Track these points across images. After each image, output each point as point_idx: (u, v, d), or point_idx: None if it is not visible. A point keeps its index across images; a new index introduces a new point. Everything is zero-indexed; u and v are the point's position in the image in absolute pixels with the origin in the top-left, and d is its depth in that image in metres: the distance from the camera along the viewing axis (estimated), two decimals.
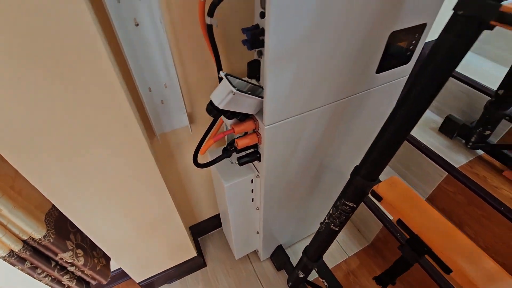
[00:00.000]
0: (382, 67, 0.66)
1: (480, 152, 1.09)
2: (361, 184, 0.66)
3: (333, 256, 1.19)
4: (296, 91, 0.57)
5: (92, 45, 0.44)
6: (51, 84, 0.45)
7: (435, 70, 0.47)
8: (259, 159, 0.71)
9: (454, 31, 0.44)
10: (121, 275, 1.12)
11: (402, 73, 0.73)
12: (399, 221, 0.63)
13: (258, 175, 0.77)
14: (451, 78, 1.16)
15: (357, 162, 0.64)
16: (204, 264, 1.17)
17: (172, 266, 1.06)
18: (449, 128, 1.14)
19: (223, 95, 0.49)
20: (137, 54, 0.59)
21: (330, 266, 1.15)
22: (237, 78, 0.54)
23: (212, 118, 0.68)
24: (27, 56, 0.41)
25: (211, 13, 0.52)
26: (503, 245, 0.94)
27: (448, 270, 0.54)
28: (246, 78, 0.62)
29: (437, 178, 1.08)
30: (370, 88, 0.70)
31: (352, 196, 0.69)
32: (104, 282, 0.86)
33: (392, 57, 0.65)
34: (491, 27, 0.41)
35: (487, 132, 1.00)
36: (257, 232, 1.02)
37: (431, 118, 1.24)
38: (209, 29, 0.55)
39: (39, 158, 0.52)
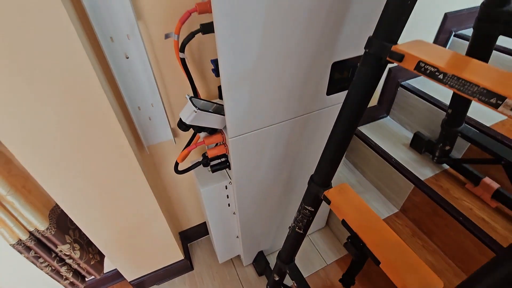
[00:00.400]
0: (331, 90, 0.79)
1: (446, 166, 1.17)
2: (315, 190, 0.77)
3: (312, 264, 1.26)
4: (252, 109, 0.70)
5: (86, 74, 0.59)
6: (57, 104, 0.60)
7: (356, 93, 0.59)
8: (229, 167, 0.83)
9: (366, 64, 0.57)
10: (116, 276, 1.23)
11: None
12: (343, 221, 0.72)
13: (230, 182, 0.89)
14: (417, 97, 1.27)
15: None
16: (191, 268, 1.26)
17: (160, 267, 1.16)
18: (417, 143, 1.23)
19: (188, 113, 0.62)
20: (127, 80, 0.74)
21: (309, 273, 1.23)
22: (203, 100, 0.68)
23: (191, 132, 0.82)
24: (41, 83, 0.56)
25: (182, 49, 0.67)
26: (464, 253, 1.00)
27: (377, 262, 0.63)
28: (216, 100, 0.76)
29: (407, 190, 1.16)
30: (323, 107, 0.82)
31: (309, 201, 0.80)
32: (98, 276, 0.97)
33: (337, 82, 0.78)
34: (386, 63, 0.54)
35: (447, 148, 1.09)
36: (237, 237, 1.12)
37: (404, 134, 1.34)
38: (182, 61, 0.69)
39: (45, 164, 0.66)
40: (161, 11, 0.67)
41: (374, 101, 1.36)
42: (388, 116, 1.44)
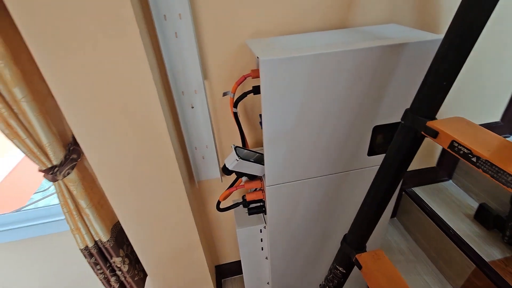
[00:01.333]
0: (373, 152, 0.80)
1: None
2: (347, 251, 0.75)
3: None
4: (289, 163, 0.75)
5: (157, 120, 0.74)
6: (135, 144, 0.75)
7: (391, 162, 0.60)
8: (265, 212, 0.88)
9: (401, 135, 0.58)
10: None
11: None
12: None
13: (265, 226, 0.93)
14: None
15: None
16: None
17: None
18: (483, 217, 1.08)
19: (231, 160, 0.71)
20: (190, 126, 0.89)
21: None
22: (247, 149, 0.76)
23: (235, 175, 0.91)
24: (126, 125, 0.72)
25: (235, 105, 0.78)
26: None
27: None
28: (261, 148, 0.83)
29: (467, 270, 1.01)
30: (364, 167, 0.83)
31: (340, 262, 0.78)
32: None
33: (379, 144, 0.78)
34: (422, 137, 0.54)
35: None
36: (268, 283, 1.11)
37: (468, 203, 1.19)
38: (235, 115, 0.81)
39: (117, 186, 0.82)
40: (223, 74, 0.82)
41: (432, 162, 1.26)
42: (451, 180, 1.31)
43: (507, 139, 1.30)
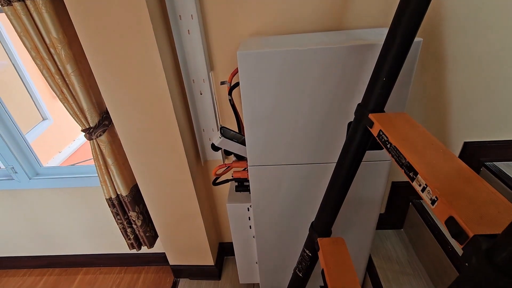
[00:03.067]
0: None
1: None
2: (312, 236, 0.82)
3: None
4: (269, 147, 0.85)
5: (167, 104, 0.91)
6: (152, 123, 0.94)
7: (347, 151, 0.66)
8: (249, 191, 0.98)
9: (353, 126, 0.64)
10: (162, 259, 1.53)
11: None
12: (322, 272, 0.73)
13: (251, 205, 1.03)
14: (501, 183, 1.04)
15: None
16: (218, 277, 1.42)
17: (194, 264, 1.38)
18: None
19: (216, 138, 0.84)
20: (199, 110, 1.05)
21: None
22: (234, 131, 0.89)
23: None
24: (147, 110, 0.92)
25: (230, 93, 0.91)
26: None
27: None
28: None
29: None
30: None
31: (307, 245, 0.85)
32: (149, 247, 1.28)
33: None
34: (366, 127, 0.60)
35: None
36: (256, 263, 1.21)
37: None
38: (230, 101, 0.94)
39: (136, 153, 1.02)
40: (226, 66, 0.96)
41: None
42: None
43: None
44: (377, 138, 0.54)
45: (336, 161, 0.69)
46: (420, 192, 0.40)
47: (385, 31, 0.83)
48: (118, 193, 1.13)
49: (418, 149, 0.46)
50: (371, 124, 0.57)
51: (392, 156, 0.48)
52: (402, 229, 1.36)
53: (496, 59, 0.91)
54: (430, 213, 1.16)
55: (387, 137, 0.51)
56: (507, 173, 1.05)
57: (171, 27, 0.88)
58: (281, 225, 1.04)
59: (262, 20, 0.89)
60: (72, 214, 1.41)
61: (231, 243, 1.46)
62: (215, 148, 0.88)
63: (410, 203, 1.26)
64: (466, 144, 1.10)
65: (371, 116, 0.57)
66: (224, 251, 1.51)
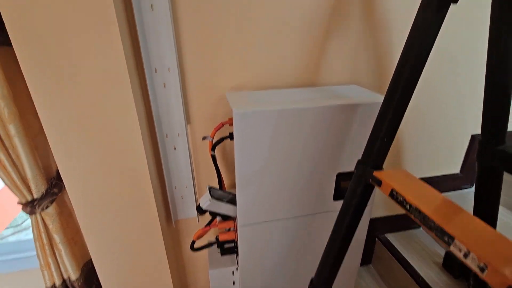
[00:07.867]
0: (338, 196, 0.86)
1: None
2: None
3: None
4: (260, 204, 0.81)
5: (140, 158, 0.80)
6: (117, 184, 0.80)
7: (347, 207, 0.66)
8: (237, 253, 0.90)
9: (354, 182, 0.66)
10: None
11: None
12: None
13: (237, 268, 0.94)
14: None
15: None
16: None
17: None
18: (450, 265, 1.12)
19: (205, 200, 0.76)
20: (172, 166, 0.95)
21: None
22: (220, 190, 0.82)
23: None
24: (111, 167, 0.78)
25: (213, 149, 0.86)
26: None
27: None
28: (233, 190, 0.89)
29: None
30: (331, 210, 0.89)
31: None
32: None
33: (344, 190, 0.85)
34: (370, 185, 0.62)
35: None
36: None
37: (436, 250, 1.24)
38: (213, 158, 0.88)
39: (94, 221, 0.84)
40: (204, 120, 0.91)
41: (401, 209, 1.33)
42: (421, 227, 1.37)
43: (464, 190, 1.37)
44: (389, 197, 0.57)
45: (337, 216, 0.69)
46: (463, 259, 0.41)
47: (355, 88, 0.92)
48: (65, 277, 0.89)
49: (439, 209, 0.49)
50: (378, 182, 0.59)
51: (415, 217, 0.51)
52: (370, 264, 1.42)
53: None
54: (396, 248, 1.25)
55: (403, 197, 0.53)
56: None
57: (146, 80, 0.80)
58: (269, 284, 0.97)
59: (243, 74, 0.89)
60: None
61: None
62: (201, 211, 0.79)
63: (377, 239, 1.34)
64: None
65: (376, 174, 0.60)
66: None
